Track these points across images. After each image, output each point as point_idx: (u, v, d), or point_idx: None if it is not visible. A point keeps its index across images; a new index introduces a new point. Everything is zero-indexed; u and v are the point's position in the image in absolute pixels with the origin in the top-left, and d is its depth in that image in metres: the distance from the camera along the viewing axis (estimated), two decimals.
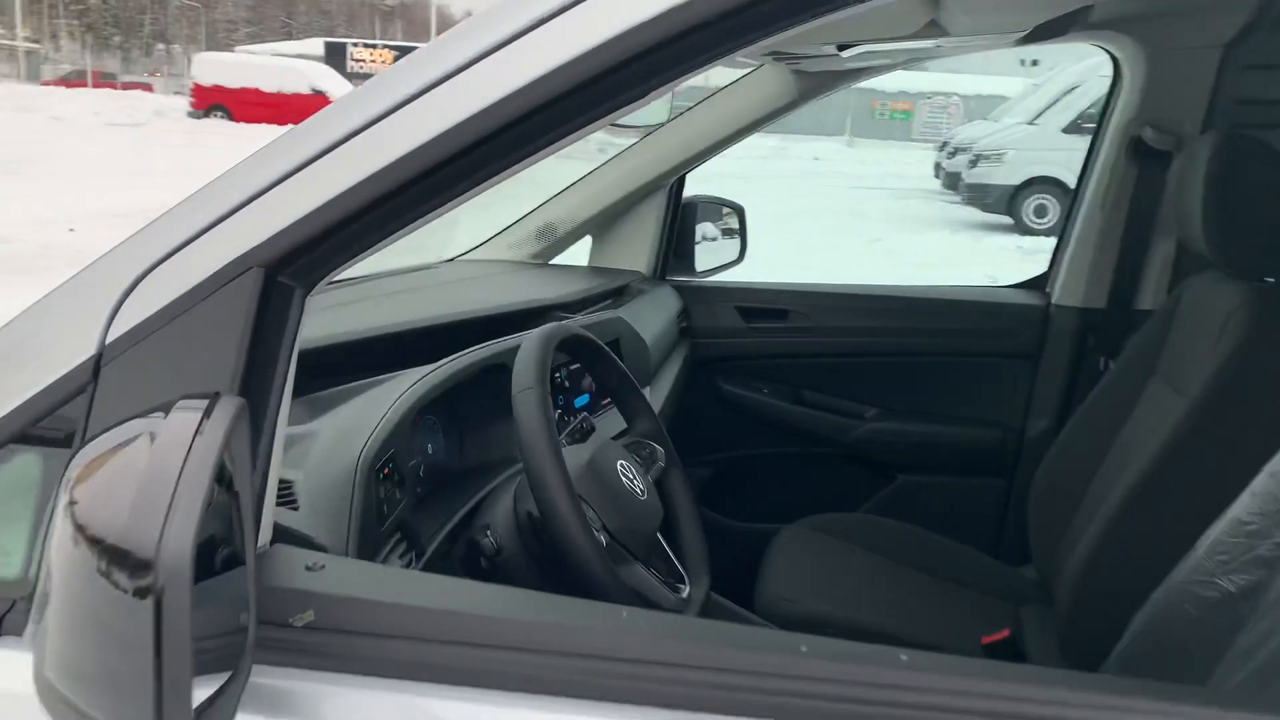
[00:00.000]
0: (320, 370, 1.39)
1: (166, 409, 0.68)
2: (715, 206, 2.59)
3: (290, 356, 0.79)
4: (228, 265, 0.76)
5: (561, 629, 0.76)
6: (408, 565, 1.13)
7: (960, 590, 1.99)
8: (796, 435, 2.47)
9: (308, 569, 0.83)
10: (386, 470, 1.09)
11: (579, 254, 2.51)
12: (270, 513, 0.89)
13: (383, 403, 1.18)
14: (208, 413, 0.66)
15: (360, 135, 0.77)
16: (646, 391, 1.93)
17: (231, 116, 22.84)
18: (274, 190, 0.77)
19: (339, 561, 0.91)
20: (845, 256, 9.11)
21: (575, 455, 1.27)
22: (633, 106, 0.78)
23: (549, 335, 1.26)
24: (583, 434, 1.44)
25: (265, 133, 11.06)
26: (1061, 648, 1.67)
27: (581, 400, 1.67)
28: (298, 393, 0.85)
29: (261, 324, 0.76)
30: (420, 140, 0.75)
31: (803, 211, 11.64)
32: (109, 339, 0.78)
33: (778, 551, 2.03)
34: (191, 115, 23.27)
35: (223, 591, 0.69)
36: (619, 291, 2.27)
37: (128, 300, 0.78)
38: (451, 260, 2.42)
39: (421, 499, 1.27)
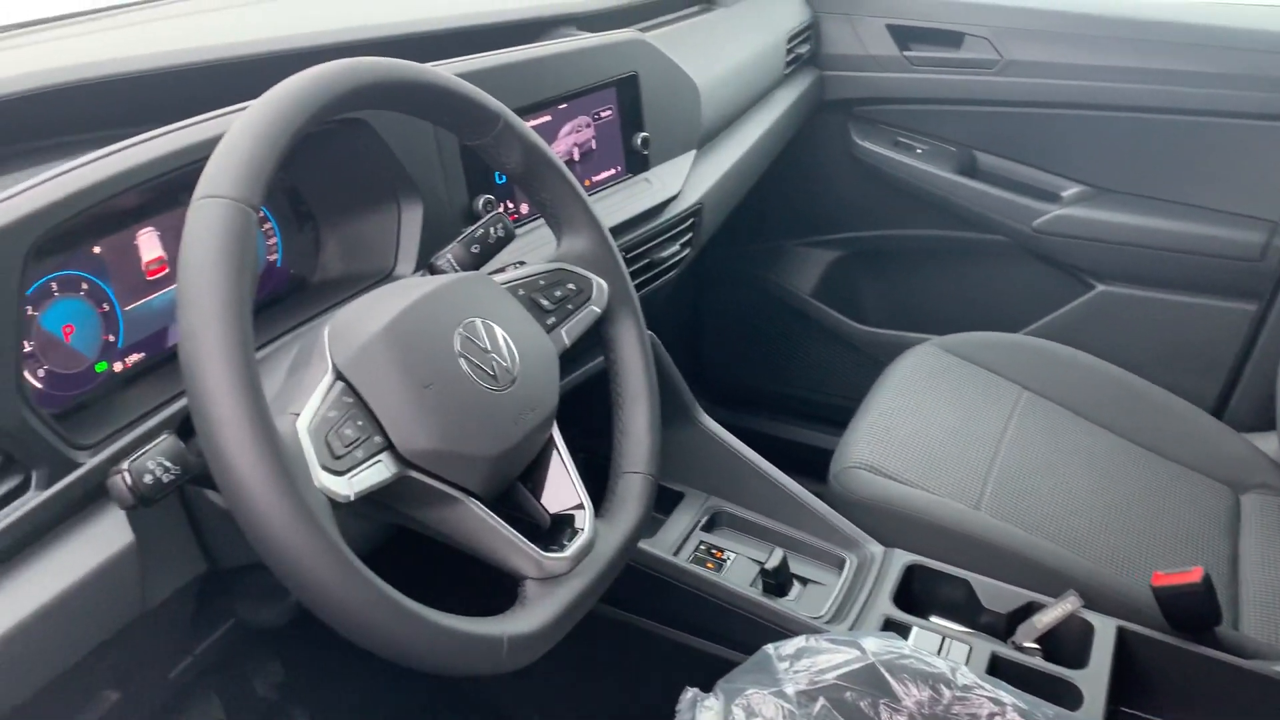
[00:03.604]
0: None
1: None
2: None
3: None
4: None
5: None
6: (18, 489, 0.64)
7: (1154, 464, 1.34)
8: (959, 216, 1.77)
9: None
10: None
11: None
12: None
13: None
14: None
15: None
16: (687, 158, 1.30)
17: None
18: None
19: None
20: None
21: (378, 304, 0.72)
22: None
23: (302, 92, 0.67)
24: (485, 245, 0.88)
25: None
26: None
27: (501, 178, 1.05)
28: None
29: None
30: None
31: None
32: None
33: (888, 383, 1.42)
34: None
35: None
36: None
37: None
38: None
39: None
